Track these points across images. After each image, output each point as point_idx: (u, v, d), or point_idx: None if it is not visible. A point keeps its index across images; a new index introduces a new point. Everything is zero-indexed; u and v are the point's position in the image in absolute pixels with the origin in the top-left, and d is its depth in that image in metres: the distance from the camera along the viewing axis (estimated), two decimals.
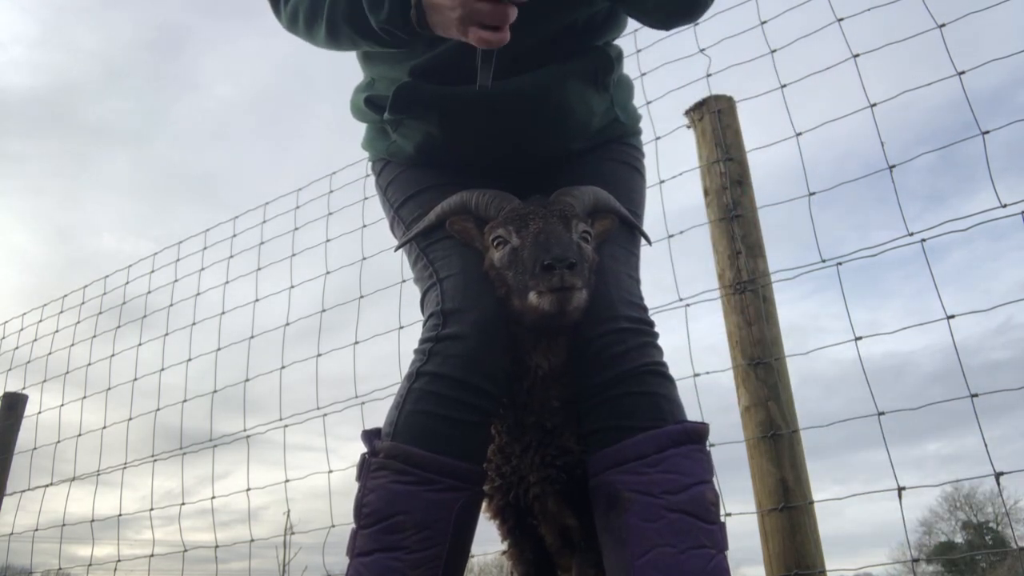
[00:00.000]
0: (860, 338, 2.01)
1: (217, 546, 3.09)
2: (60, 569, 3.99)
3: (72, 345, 4.19)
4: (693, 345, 2.18)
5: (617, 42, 1.69)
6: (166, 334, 3.69)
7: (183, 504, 3.30)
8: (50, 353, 4.32)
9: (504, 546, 1.67)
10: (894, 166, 2.07)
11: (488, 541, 1.71)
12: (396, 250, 1.71)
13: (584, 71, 1.54)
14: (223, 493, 3.16)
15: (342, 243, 3.14)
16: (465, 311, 1.43)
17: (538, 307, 1.34)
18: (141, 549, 3.39)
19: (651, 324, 1.48)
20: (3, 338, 4.70)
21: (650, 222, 1.75)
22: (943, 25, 2.08)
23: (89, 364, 4.03)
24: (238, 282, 3.48)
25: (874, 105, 2.14)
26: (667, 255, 2.30)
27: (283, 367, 3.09)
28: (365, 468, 1.38)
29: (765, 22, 2.44)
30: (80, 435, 3.90)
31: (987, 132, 1.93)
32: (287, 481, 2.93)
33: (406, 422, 1.38)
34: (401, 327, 2.68)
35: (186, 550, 3.25)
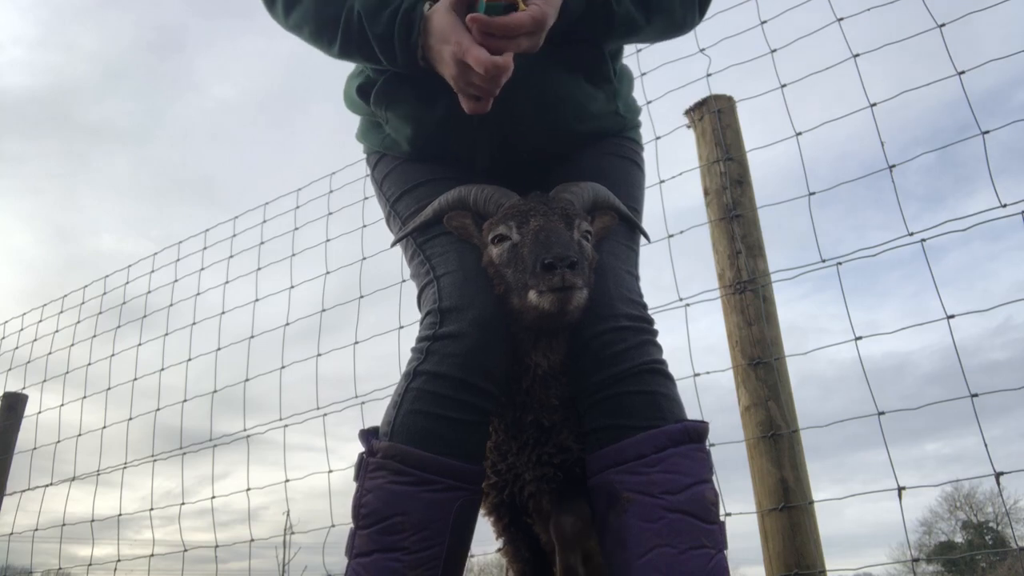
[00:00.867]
0: (860, 338, 2.01)
1: (217, 546, 3.09)
2: (60, 569, 4.00)
3: (72, 345, 4.20)
4: (693, 345, 2.18)
5: None
6: (166, 334, 3.69)
7: (183, 504, 3.31)
8: (50, 353, 4.32)
9: (499, 543, 1.66)
10: (894, 166, 2.07)
11: (488, 540, 1.71)
12: (392, 245, 1.69)
13: (578, 62, 1.53)
14: (223, 493, 3.17)
15: (342, 243, 3.14)
16: (463, 309, 1.41)
17: (538, 306, 1.33)
18: (141, 549, 3.40)
19: (651, 322, 1.47)
20: (3, 338, 4.70)
21: (650, 222, 1.75)
22: (943, 25, 2.08)
23: (89, 364, 4.03)
24: (238, 282, 3.49)
25: (874, 105, 2.14)
26: (667, 255, 2.30)
27: (283, 367, 3.09)
28: (363, 468, 1.37)
29: (765, 22, 2.44)
30: (80, 435, 3.90)
31: (987, 132, 1.93)
32: (287, 481, 2.93)
33: (404, 422, 1.37)
34: (401, 327, 2.69)
35: (186, 550, 3.25)
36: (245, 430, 3.15)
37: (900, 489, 1.87)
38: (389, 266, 2.90)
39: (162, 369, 3.61)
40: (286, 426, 2.96)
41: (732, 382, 2.27)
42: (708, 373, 2.19)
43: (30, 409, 4.42)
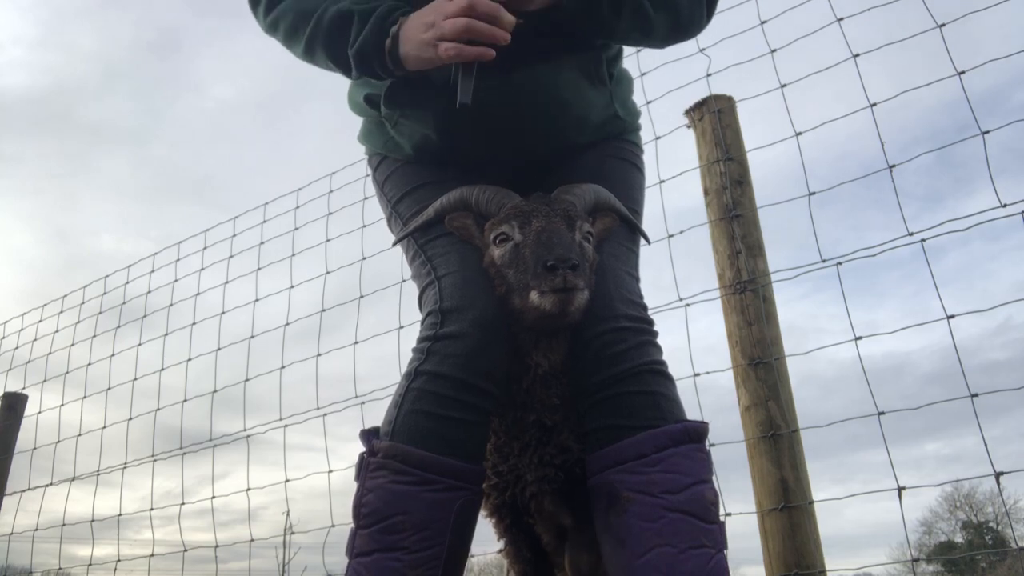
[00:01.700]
0: (860, 338, 2.01)
1: (217, 546, 3.09)
2: (60, 569, 4.00)
3: (72, 345, 4.20)
4: (693, 345, 2.18)
5: None
6: (166, 334, 3.69)
7: (183, 504, 3.31)
8: (50, 353, 4.32)
9: (500, 544, 1.66)
10: (894, 166, 2.07)
11: (488, 541, 1.71)
12: (394, 245, 1.70)
13: (578, 65, 1.54)
14: (223, 493, 3.17)
15: (342, 243, 3.14)
16: (464, 309, 1.41)
17: (540, 306, 1.33)
18: (141, 549, 3.40)
19: (651, 323, 1.47)
20: (3, 338, 4.70)
21: (650, 222, 1.75)
22: (943, 25, 2.08)
23: (89, 364, 4.03)
24: (238, 282, 3.49)
25: (874, 105, 2.14)
26: (667, 255, 2.30)
27: (283, 367, 3.09)
28: (364, 468, 1.37)
29: (765, 22, 2.44)
30: (80, 435, 3.90)
31: (987, 132, 1.93)
32: (287, 481, 2.93)
33: (404, 422, 1.37)
34: (401, 327, 2.68)
35: (186, 550, 3.25)
36: (245, 430, 3.15)
37: (900, 489, 1.87)
38: (389, 266, 2.91)
39: (162, 369, 3.61)
40: (286, 426, 2.96)
41: (732, 382, 2.27)
42: (708, 373, 2.19)
43: (30, 409, 4.43)
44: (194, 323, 3.56)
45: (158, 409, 3.53)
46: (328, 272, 3.10)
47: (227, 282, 3.50)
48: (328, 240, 3.18)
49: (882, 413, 1.93)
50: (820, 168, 2.23)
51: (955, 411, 1.85)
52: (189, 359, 3.48)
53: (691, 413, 1.43)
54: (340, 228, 3.18)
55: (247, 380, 3.23)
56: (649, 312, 1.50)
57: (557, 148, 1.64)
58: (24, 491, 4.14)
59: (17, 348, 4.56)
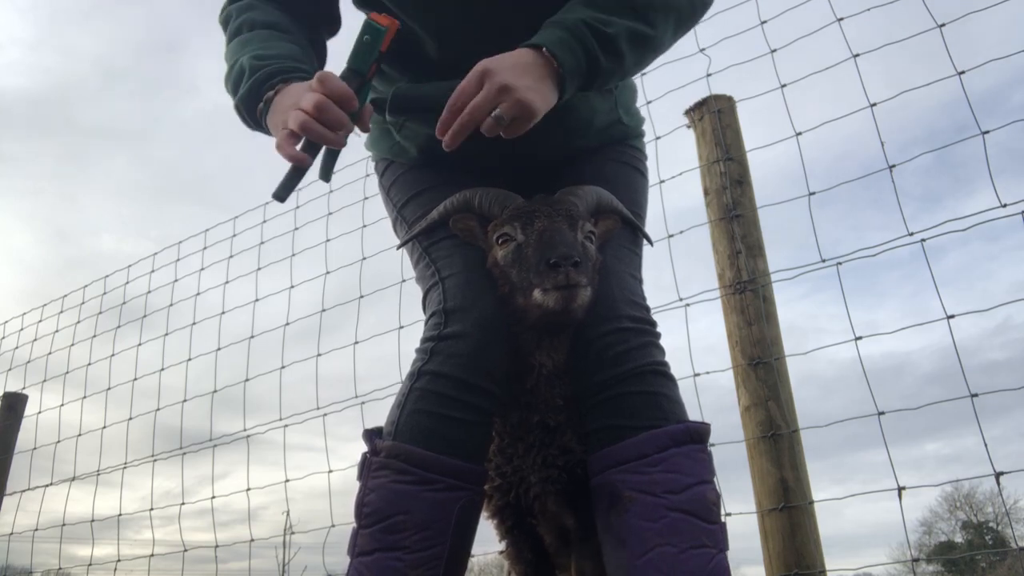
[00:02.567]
0: (860, 338, 2.01)
1: (217, 546, 3.09)
2: (60, 569, 4.00)
3: (72, 345, 4.20)
4: (693, 345, 2.18)
5: None
6: (166, 334, 3.69)
7: (183, 504, 3.31)
8: (50, 353, 4.32)
9: (502, 546, 1.67)
10: (894, 166, 2.07)
11: (488, 541, 1.71)
12: (398, 248, 1.71)
13: None
14: (223, 493, 3.17)
15: (342, 243, 3.14)
16: (467, 310, 1.42)
17: (543, 304, 1.33)
18: (141, 549, 3.40)
19: (653, 324, 1.47)
20: (3, 338, 4.70)
21: (650, 222, 1.75)
22: (943, 25, 2.08)
23: (89, 364, 4.03)
24: (238, 282, 3.49)
25: (874, 105, 2.14)
26: (667, 255, 2.30)
27: (283, 367, 3.09)
28: (366, 468, 1.37)
29: (765, 22, 2.44)
30: (80, 435, 3.90)
31: (987, 132, 1.93)
32: (287, 481, 2.94)
33: (407, 421, 1.37)
34: (401, 327, 2.68)
35: (186, 550, 3.25)
36: (245, 430, 3.15)
37: (900, 489, 1.88)
38: (389, 266, 2.90)
39: (162, 369, 3.61)
40: (286, 426, 2.96)
41: (732, 382, 2.27)
42: (708, 373, 2.19)
43: (30, 409, 4.43)
44: (194, 323, 3.56)
45: (158, 409, 3.53)
46: (328, 272, 3.10)
47: (227, 282, 3.51)
48: (328, 240, 3.19)
49: (882, 413, 1.93)
50: (818, 168, 2.23)
51: (955, 411, 1.85)
52: (189, 359, 3.48)
53: (691, 413, 1.43)
54: (340, 228, 3.19)
55: (247, 380, 3.23)
56: (651, 313, 1.51)
57: (561, 152, 1.65)
58: (24, 491, 4.14)
59: (17, 348, 4.57)
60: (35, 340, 4.46)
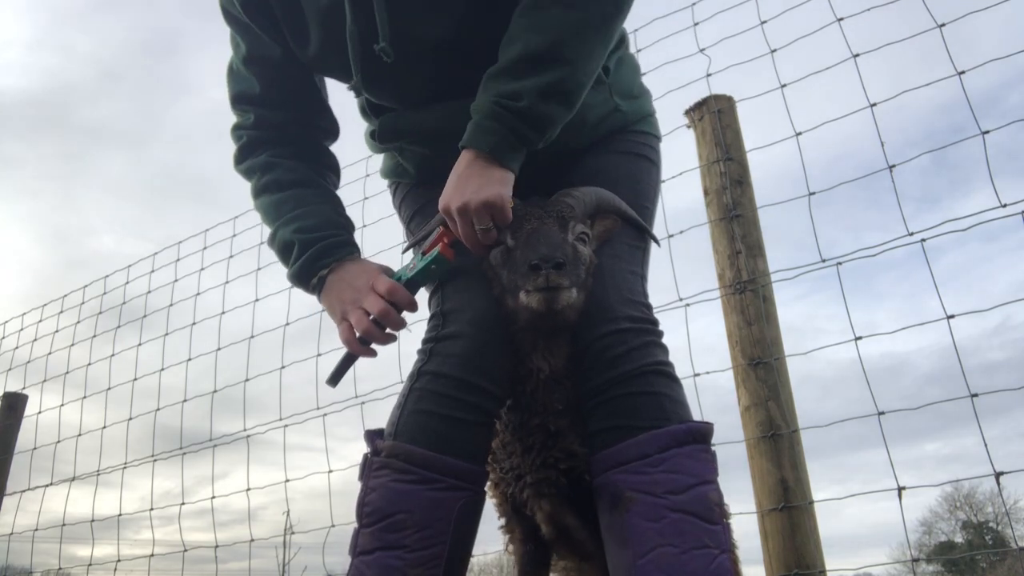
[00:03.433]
0: (860, 338, 2.01)
1: (217, 546, 3.09)
2: (60, 569, 3.99)
3: (72, 345, 4.20)
4: (693, 345, 2.18)
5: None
6: (166, 334, 3.69)
7: (183, 504, 3.31)
8: (50, 353, 4.32)
9: (502, 521, 1.67)
10: (894, 166, 2.07)
11: (488, 541, 1.71)
12: (403, 252, 1.77)
13: None
14: (223, 493, 3.17)
15: None
16: (462, 311, 1.44)
17: (528, 306, 1.34)
18: (141, 549, 3.40)
19: (654, 323, 1.47)
20: (3, 338, 4.70)
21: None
22: (943, 25, 2.08)
23: (89, 364, 4.03)
24: (238, 282, 3.48)
25: (874, 105, 2.14)
26: (667, 255, 2.30)
27: (283, 367, 3.09)
28: (367, 467, 1.38)
29: (765, 22, 2.44)
30: (80, 435, 3.90)
31: (987, 132, 1.93)
32: (287, 481, 2.94)
33: (408, 421, 1.38)
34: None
35: (186, 550, 3.25)
36: (245, 430, 3.15)
37: (900, 489, 1.88)
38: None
39: (162, 369, 3.61)
40: (286, 426, 2.96)
41: (732, 382, 2.27)
42: (708, 373, 2.19)
43: (30, 409, 4.42)
44: (194, 323, 3.56)
45: (158, 409, 3.53)
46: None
47: (227, 282, 3.51)
48: None
49: (882, 413, 1.93)
50: (816, 169, 2.23)
51: (954, 411, 1.85)
52: (189, 359, 3.48)
53: (691, 413, 1.43)
54: None
55: (247, 380, 3.23)
56: (653, 312, 1.50)
57: (555, 154, 1.64)
58: (24, 491, 4.14)
59: (17, 348, 4.56)
60: (35, 340, 4.46)
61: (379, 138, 1.70)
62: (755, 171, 2.46)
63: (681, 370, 1.46)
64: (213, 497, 3.17)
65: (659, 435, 1.32)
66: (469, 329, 1.42)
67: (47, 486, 4.01)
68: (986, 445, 1.77)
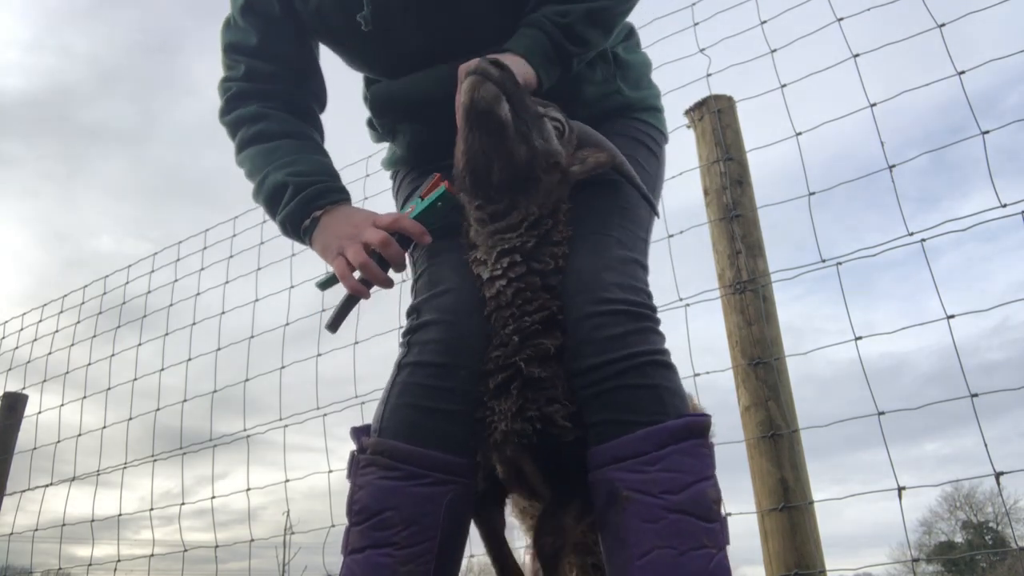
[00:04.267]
0: (860, 338, 2.01)
1: (217, 546, 3.09)
2: (60, 569, 3.99)
3: (72, 345, 4.20)
4: (693, 345, 2.18)
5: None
6: (166, 334, 3.69)
7: (183, 504, 3.31)
8: (50, 353, 4.32)
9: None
10: (894, 166, 2.07)
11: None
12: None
13: None
14: (223, 493, 3.17)
15: None
16: (433, 297, 1.44)
17: (458, 102, 1.33)
18: (141, 549, 3.40)
19: (652, 309, 1.41)
20: (3, 338, 4.70)
21: None
22: (943, 25, 2.08)
23: (89, 364, 4.03)
24: (238, 282, 3.48)
25: (874, 105, 2.14)
26: (667, 255, 2.30)
27: (283, 367, 3.09)
28: (354, 466, 1.38)
29: (765, 22, 2.45)
30: (80, 435, 3.90)
31: (987, 132, 1.93)
32: (287, 481, 2.94)
33: (391, 417, 1.37)
34: (401, 327, 2.68)
35: (186, 550, 3.25)
36: (245, 430, 3.15)
37: (900, 489, 1.88)
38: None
39: (162, 369, 3.61)
40: (286, 426, 2.96)
41: (732, 382, 2.27)
42: (708, 373, 2.19)
43: (30, 409, 4.42)
44: (194, 323, 3.56)
45: (158, 409, 3.53)
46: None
47: (227, 282, 3.50)
48: None
49: (882, 413, 1.93)
50: (815, 169, 2.23)
51: (954, 411, 1.85)
52: (189, 359, 3.48)
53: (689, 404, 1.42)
54: None
55: (247, 380, 3.23)
56: (653, 300, 1.44)
57: None
58: (24, 491, 4.14)
59: (17, 348, 4.57)
60: (35, 340, 4.47)
61: (371, 107, 1.69)
62: (755, 171, 2.46)
63: (681, 370, 1.43)
64: (213, 497, 3.18)
65: (657, 431, 1.29)
66: (440, 314, 1.41)
67: (47, 486, 4.02)
68: (986, 445, 1.77)
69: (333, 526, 2.58)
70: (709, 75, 2.53)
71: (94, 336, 4.08)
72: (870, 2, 2.29)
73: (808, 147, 2.23)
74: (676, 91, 2.60)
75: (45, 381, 4.28)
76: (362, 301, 1.52)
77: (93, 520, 3.63)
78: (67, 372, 4.13)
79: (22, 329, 4.59)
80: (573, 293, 1.38)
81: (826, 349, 2.21)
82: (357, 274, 1.46)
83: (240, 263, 3.52)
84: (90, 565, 3.75)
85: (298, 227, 1.54)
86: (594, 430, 1.35)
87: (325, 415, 2.83)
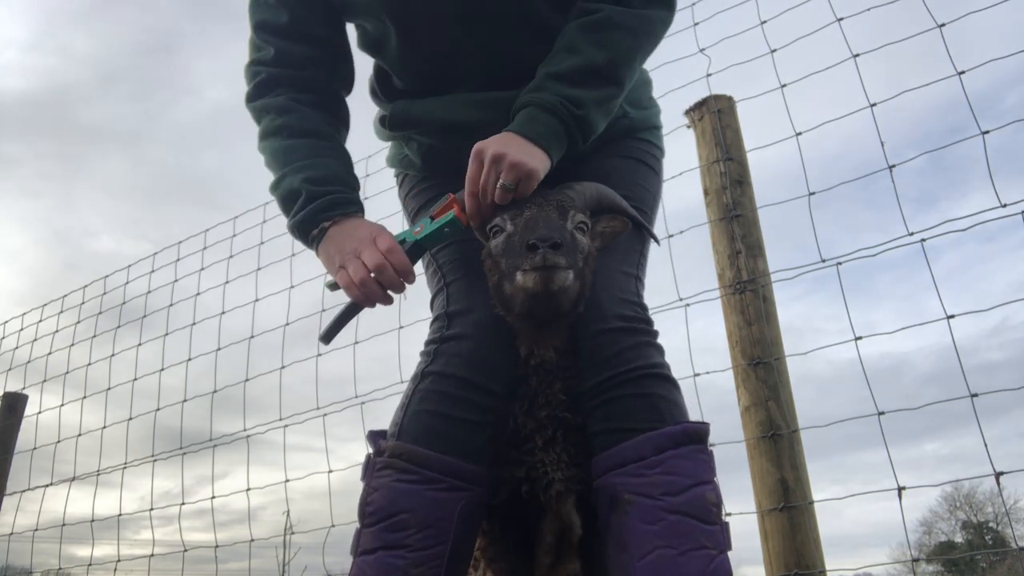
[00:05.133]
0: (860, 338, 2.01)
1: (217, 546, 3.09)
2: (60, 569, 3.99)
3: (72, 345, 4.19)
4: (693, 345, 2.18)
5: None
6: (166, 334, 3.69)
7: (183, 504, 3.31)
8: (50, 353, 4.32)
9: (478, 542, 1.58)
10: (894, 166, 2.07)
11: None
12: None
13: None
14: (223, 493, 3.17)
15: None
16: (468, 312, 1.45)
17: (524, 286, 1.32)
18: (141, 549, 3.40)
19: (649, 323, 1.46)
20: (3, 338, 4.70)
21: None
22: (943, 25, 2.08)
23: (89, 364, 4.03)
24: (238, 282, 3.48)
25: (874, 105, 2.14)
26: (667, 255, 2.30)
27: (283, 367, 3.09)
28: (370, 468, 1.39)
29: (765, 22, 2.44)
30: (80, 435, 3.90)
31: (987, 132, 1.93)
32: (287, 481, 2.94)
33: (411, 422, 1.39)
34: (401, 327, 2.69)
35: (186, 550, 3.25)
36: (245, 430, 3.15)
37: (900, 489, 1.88)
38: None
39: (162, 369, 3.61)
40: (286, 426, 2.96)
41: (732, 382, 2.27)
42: (708, 373, 2.19)
43: (30, 409, 4.42)
44: (194, 323, 3.56)
45: (158, 409, 3.53)
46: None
47: (227, 282, 3.50)
48: None
49: (882, 413, 1.93)
50: (815, 169, 2.23)
51: (954, 411, 1.85)
52: (189, 359, 3.48)
53: (691, 413, 1.43)
54: None
55: (247, 380, 3.23)
56: (648, 312, 1.49)
57: (561, 158, 1.64)
58: (24, 491, 4.14)
59: (17, 348, 4.56)
60: (35, 340, 4.46)
61: (390, 125, 1.68)
62: (755, 171, 2.46)
63: (681, 370, 1.46)
64: (213, 497, 3.17)
65: (655, 437, 1.32)
66: (474, 331, 1.42)
67: (47, 486, 4.02)
68: (986, 445, 1.77)
69: (333, 526, 2.59)
70: (709, 75, 2.53)
71: (94, 336, 4.08)
72: (870, 2, 2.29)
73: (808, 147, 2.23)
74: (676, 91, 2.60)
75: (45, 381, 4.28)
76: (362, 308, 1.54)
77: (93, 520, 3.63)
78: (67, 372, 4.13)
79: (22, 329, 4.59)
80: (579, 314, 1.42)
81: (826, 349, 2.21)
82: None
83: (240, 263, 3.52)
84: (90, 565, 3.75)
85: (307, 235, 1.55)
86: (595, 439, 1.39)
87: (325, 415, 2.83)
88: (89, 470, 3.77)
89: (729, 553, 1.30)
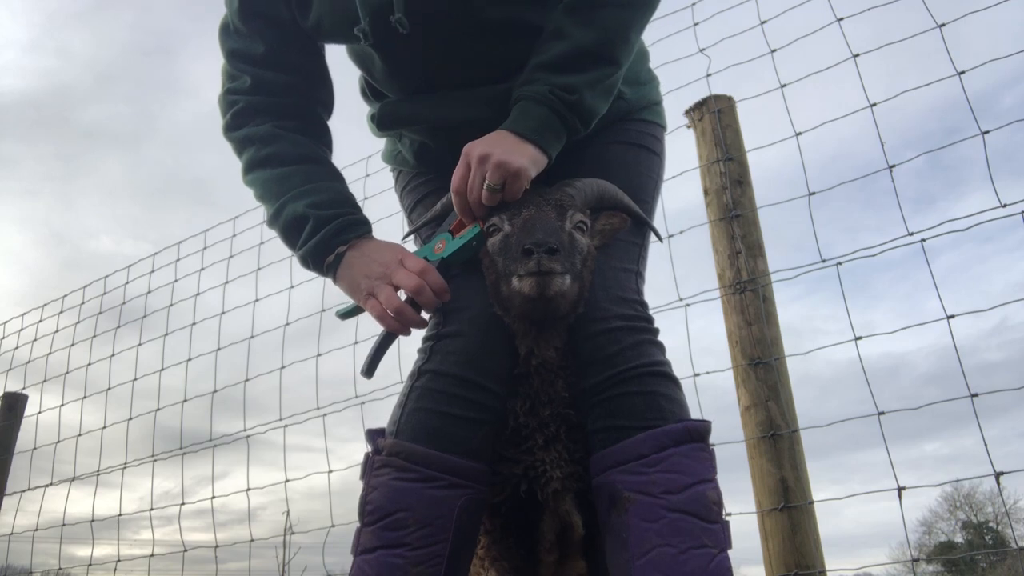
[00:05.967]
0: (860, 338, 2.01)
1: (217, 546, 3.09)
2: (60, 569, 3.99)
3: (72, 345, 4.19)
4: (693, 345, 2.18)
5: None
6: (166, 334, 3.69)
7: (182, 504, 3.31)
8: (50, 353, 4.32)
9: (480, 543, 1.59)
10: (894, 166, 2.07)
11: None
12: (403, 239, 1.76)
13: None
14: (222, 493, 3.17)
15: None
16: (464, 309, 1.43)
17: (520, 291, 1.32)
18: (141, 549, 3.40)
19: (648, 320, 1.45)
20: (3, 338, 4.70)
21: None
22: (943, 25, 2.08)
23: (89, 364, 4.03)
24: (238, 282, 3.49)
25: (874, 105, 2.14)
26: (667, 255, 2.30)
27: (283, 367, 3.09)
28: (369, 466, 1.38)
29: (765, 22, 2.45)
30: (80, 435, 3.90)
31: (987, 132, 1.93)
32: (287, 481, 2.94)
33: (408, 420, 1.38)
34: None
35: (186, 550, 3.25)
36: (245, 430, 3.15)
37: (900, 489, 1.88)
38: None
39: (162, 369, 3.61)
40: (286, 426, 2.96)
41: (732, 382, 2.27)
42: (708, 373, 2.19)
43: (30, 409, 4.43)
44: (194, 323, 3.56)
45: (158, 409, 3.53)
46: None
47: (227, 282, 3.51)
48: None
49: (882, 413, 1.93)
50: (815, 169, 2.23)
51: (954, 411, 1.85)
52: (189, 359, 3.48)
53: (691, 413, 1.43)
54: None
55: (247, 380, 3.23)
56: (648, 310, 1.48)
57: None
58: (24, 491, 4.14)
59: (17, 348, 4.56)
60: (35, 340, 4.46)
61: (379, 124, 1.67)
62: (755, 171, 2.47)
63: (681, 370, 1.46)
64: (213, 497, 3.17)
65: (656, 435, 1.32)
66: (470, 327, 1.41)
67: (47, 486, 4.02)
68: (986, 445, 1.78)
69: (333, 526, 2.59)
70: (709, 75, 2.53)
71: (94, 336, 4.08)
72: (870, 2, 2.29)
73: (808, 147, 2.23)
74: (676, 91, 2.60)
75: (45, 381, 4.28)
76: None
77: (93, 520, 3.63)
78: (67, 372, 4.13)
79: (22, 329, 4.59)
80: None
81: (826, 349, 2.22)
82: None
83: (240, 263, 3.52)
84: (90, 565, 3.75)
85: (321, 263, 1.49)
86: (595, 437, 1.38)
87: (325, 415, 2.83)
88: (89, 470, 3.78)
89: (729, 552, 1.30)
